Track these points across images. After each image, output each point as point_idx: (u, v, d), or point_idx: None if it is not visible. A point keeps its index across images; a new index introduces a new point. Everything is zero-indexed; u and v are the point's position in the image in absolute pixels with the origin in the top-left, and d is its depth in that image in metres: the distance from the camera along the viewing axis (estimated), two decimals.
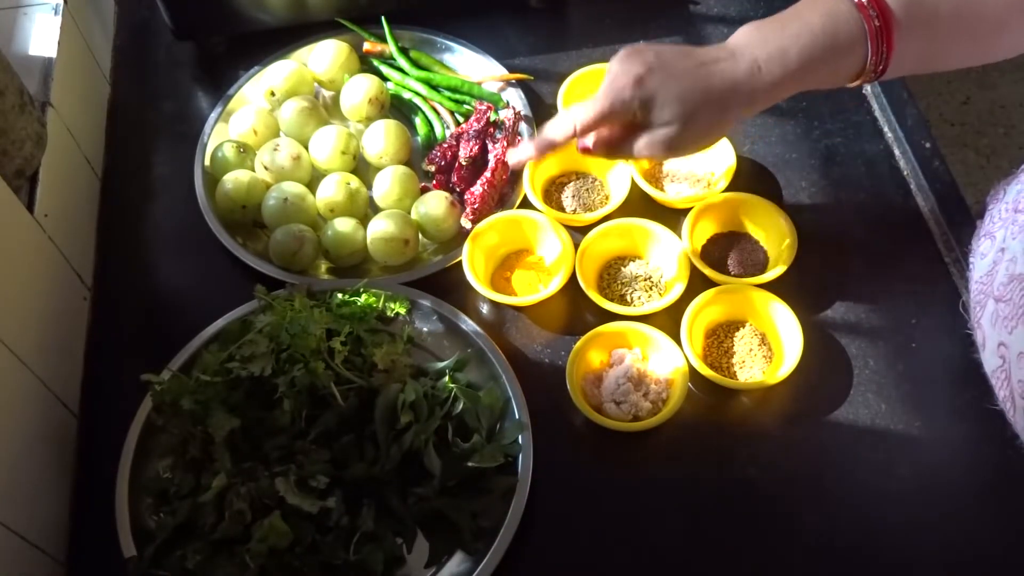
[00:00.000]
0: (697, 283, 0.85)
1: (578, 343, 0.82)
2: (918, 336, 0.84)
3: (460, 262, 0.87)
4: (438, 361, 0.83)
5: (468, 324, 0.84)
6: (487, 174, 0.92)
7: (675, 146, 0.72)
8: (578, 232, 0.90)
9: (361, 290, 0.84)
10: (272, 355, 0.77)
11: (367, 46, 1.04)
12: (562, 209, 0.93)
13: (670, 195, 0.92)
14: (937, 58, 0.72)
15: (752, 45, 0.70)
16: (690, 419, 0.80)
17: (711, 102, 0.69)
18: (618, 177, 0.93)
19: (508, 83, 1.01)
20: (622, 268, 0.88)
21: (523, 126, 0.97)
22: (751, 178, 0.94)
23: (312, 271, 0.90)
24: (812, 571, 0.74)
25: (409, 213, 0.91)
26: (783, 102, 0.99)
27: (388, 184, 0.92)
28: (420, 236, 0.91)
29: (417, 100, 1.01)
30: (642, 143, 0.72)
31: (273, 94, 1.01)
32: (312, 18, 1.05)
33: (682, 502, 0.77)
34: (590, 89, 0.99)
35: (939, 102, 2.09)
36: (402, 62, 1.03)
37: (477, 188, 0.91)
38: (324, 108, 1.01)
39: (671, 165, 0.94)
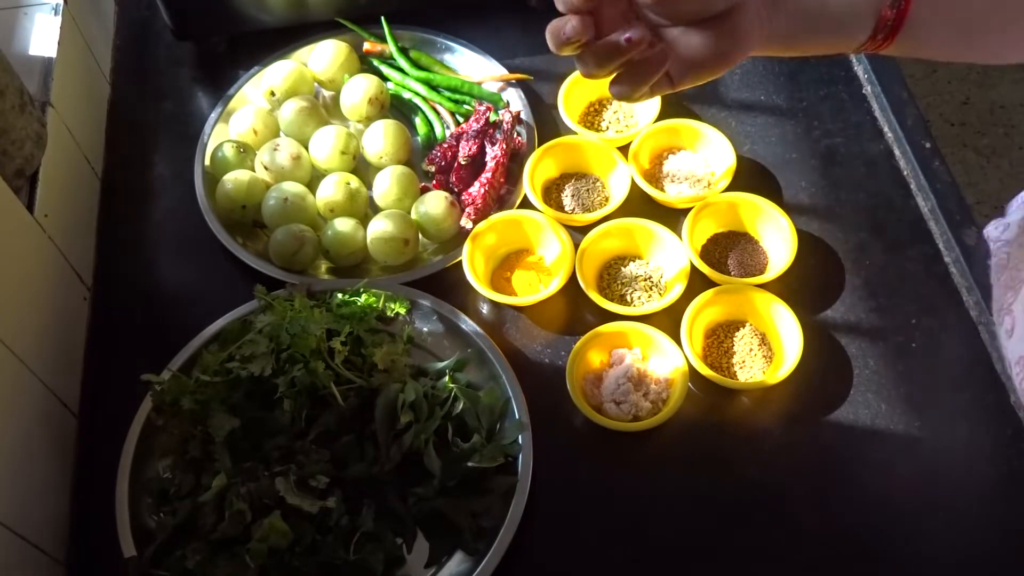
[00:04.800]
0: (697, 283, 0.85)
1: (578, 343, 0.82)
2: (918, 336, 0.84)
3: (460, 262, 0.87)
4: (438, 361, 0.83)
5: (468, 324, 0.84)
6: (486, 174, 0.92)
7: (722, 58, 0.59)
8: (578, 232, 0.90)
9: (361, 290, 0.84)
10: (272, 355, 0.77)
11: (367, 46, 1.04)
12: (562, 209, 0.93)
13: (670, 195, 0.92)
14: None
15: None
16: (690, 419, 0.80)
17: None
18: (618, 177, 0.93)
19: (508, 83, 1.01)
20: (622, 268, 0.88)
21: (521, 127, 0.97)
22: (751, 178, 0.94)
23: (312, 271, 0.90)
24: (812, 571, 0.74)
25: (409, 213, 0.91)
26: (783, 102, 1.01)
27: (388, 184, 0.92)
28: (420, 236, 0.91)
29: (417, 100, 1.01)
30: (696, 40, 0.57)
31: (273, 94, 1.01)
32: (312, 18, 1.05)
33: (682, 502, 0.77)
34: (590, 89, 1.00)
35: (939, 102, 2.10)
36: (402, 62, 1.03)
37: (476, 188, 0.91)
38: (324, 108, 1.01)
39: (671, 165, 0.94)
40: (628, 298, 0.87)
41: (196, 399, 0.76)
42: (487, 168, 0.93)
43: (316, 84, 1.04)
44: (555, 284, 0.85)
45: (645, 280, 0.87)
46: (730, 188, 0.91)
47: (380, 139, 0.94)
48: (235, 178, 0.92)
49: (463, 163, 0.93)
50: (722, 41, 0.57)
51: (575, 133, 0.96)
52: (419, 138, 0.99)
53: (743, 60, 0.60)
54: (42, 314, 0.81)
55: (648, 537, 0.76)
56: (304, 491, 0.72)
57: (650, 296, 0.86)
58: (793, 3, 0.59)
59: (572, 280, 0.85)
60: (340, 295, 0.84)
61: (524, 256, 0.91)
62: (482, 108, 0.95)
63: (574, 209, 0.92)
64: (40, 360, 0.78)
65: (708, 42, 0.57)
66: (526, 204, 0.92)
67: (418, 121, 1.00)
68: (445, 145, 0.95)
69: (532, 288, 0.88)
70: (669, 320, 0.83)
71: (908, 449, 0.78)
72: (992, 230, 0.78)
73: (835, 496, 0.77)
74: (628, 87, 0.58)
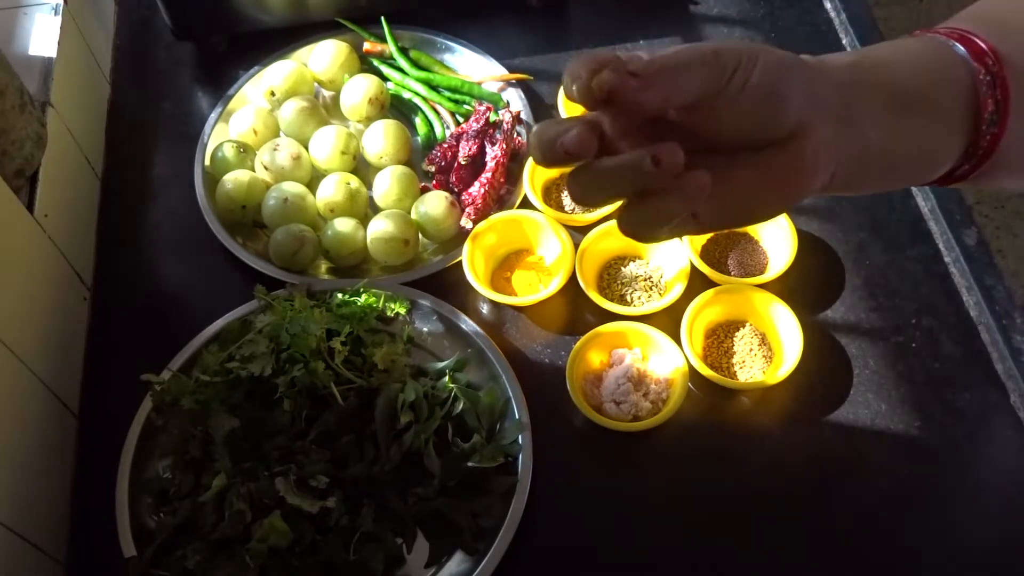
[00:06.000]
0: (697, 283, 0.85)
1: (578, 343, 0.82)
2: (918, 336, 0.84)
3: (460, 262, 0.87)
4: (438, 361, 0.83)
5: (468, 324, 0.84)
6: (486, 174, 0.92)
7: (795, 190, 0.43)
8: (578, 232, 0.90)
9: (361, 290, 0.84)
10: (272, 355, 0.77)
11: (367, 46, 1.04)
12: (562, 209, 0.93)
13: None
14: None
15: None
16: (690, 419, 0.80)
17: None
18: None
19: (508, 83, 1.01)
20: (622, 268, 0.88)
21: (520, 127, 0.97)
22: None
23: (312, 271, 0.90)
24: (812, 570, 0.74)
25: (409, 213, 0.91)
26: None
27: (388, 184, 0.92)
28: (420, 236, 0.91)
29: (417, 100, 1.01)
30: (749, 179, 0.41)
31: (273, 94, 1.01)
32: (312, 18, 1.05)
33: (682, 502, 0.77)
34: None
35: None
36: (402, 62, 1.03)
37: (476, 188, 0.91)
38: (324, 108, 1.01)
39: None
40: (628, 298, 0.87)
41: (196, 399, 0.76)
42: (487, 168, 0.93)
43: (316, 84, 1.04)
44: (555, 284, 0.85)
45: (645, 280, 0.87)
46: None
47: (380, 139, 0.94)
48: (235, 178, 0.92)
49: (463, 163, 0.93)
50: (777, 182, 0.42)
51: None
52: (419, 138, 0.99)
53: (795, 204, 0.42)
54: (42, 314, 0.81)
55: (648, 537, 0.76)
56: (304, 491, 0.72)
57: (650, 296, 0.86)
58: (874, 121, 0.43)
59: (572, 280, 0.85)
60: (340, 295, 0.84)
61: (524, 256, 0.91)
62: (482, 108, 0.95)
63: (574, 209, 0.92)
64: (40, 360, 0.78)
65: (758, 181, 0.41)
66: (526, 204, 0.92)
67: (418, 121, 1.00)
68: (445, 145, 0.95)
69: (532, 288, 0.88)
70: (669, 320, 0.83)
71: (908, 449, 0.78)
72: None
73: (835, 496, 0.77)
74: (643, 226, 0.41)
